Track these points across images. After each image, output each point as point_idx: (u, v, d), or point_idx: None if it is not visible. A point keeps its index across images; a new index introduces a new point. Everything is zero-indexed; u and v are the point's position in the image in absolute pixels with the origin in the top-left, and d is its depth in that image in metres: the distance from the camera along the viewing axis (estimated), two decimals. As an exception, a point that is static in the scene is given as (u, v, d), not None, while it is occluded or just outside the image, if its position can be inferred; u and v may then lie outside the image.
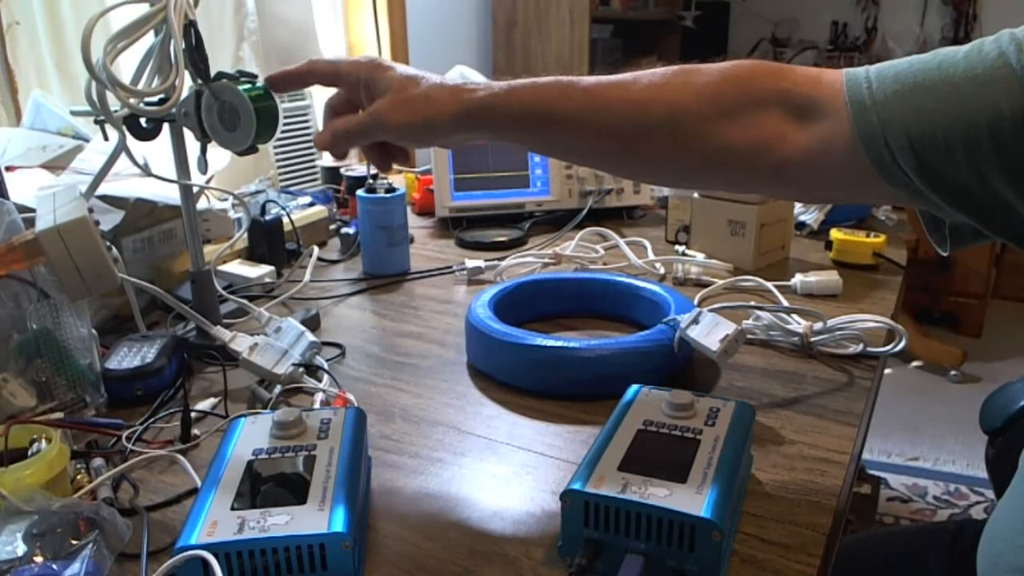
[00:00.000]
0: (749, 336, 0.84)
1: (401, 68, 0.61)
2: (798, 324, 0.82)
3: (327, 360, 0.82)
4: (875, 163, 0.50)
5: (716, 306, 0.79)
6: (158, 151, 0.80)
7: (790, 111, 0.53)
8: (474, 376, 0.79)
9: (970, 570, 0.70)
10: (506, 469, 0.63)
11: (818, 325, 0.81)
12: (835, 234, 1.09)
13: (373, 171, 1.10)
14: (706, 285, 1.00)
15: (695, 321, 0.74)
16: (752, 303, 0.93)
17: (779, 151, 0.53)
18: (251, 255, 1.07)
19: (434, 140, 0.62)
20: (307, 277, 1.01)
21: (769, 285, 0.97)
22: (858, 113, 0.50)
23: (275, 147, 1.52)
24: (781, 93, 0.53)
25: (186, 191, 0.80)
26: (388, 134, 0.62)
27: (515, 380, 0.75)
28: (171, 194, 0.92)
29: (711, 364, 0.78)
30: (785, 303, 0.93)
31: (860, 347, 0.80)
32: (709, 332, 0.73)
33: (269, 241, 1.07)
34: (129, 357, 0.75)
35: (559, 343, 0.73)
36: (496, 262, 1.07)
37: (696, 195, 1.11)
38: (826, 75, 0.53)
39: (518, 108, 0.58)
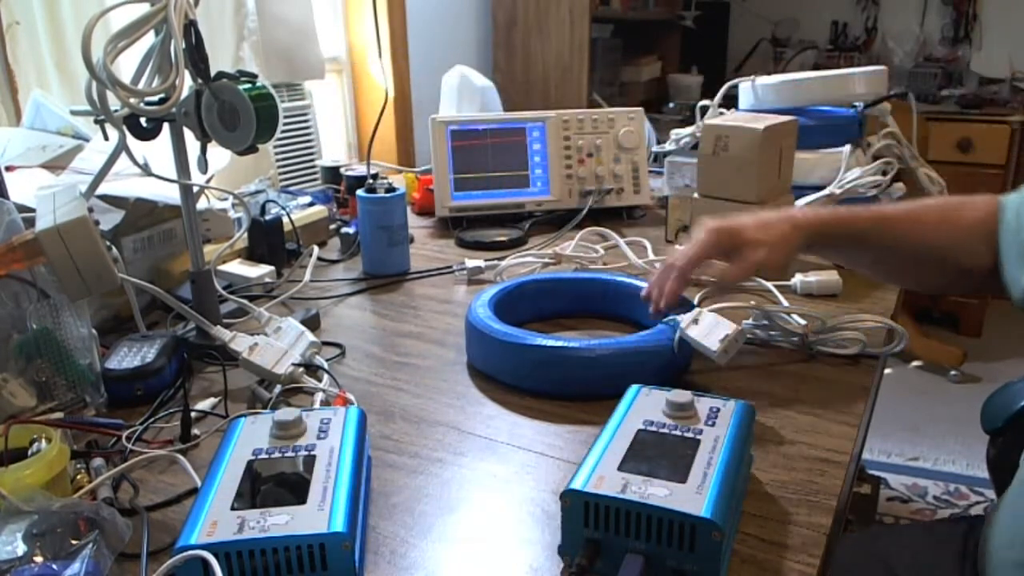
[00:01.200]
0: (749, 336, 0.84)
1: (747, 226, 0.76)
2: (798, 324, 0.82)
3: (327, 360, 0.82)
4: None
5: (716, 306, 0.79)
6: (158, 151, 0.80)
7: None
8: (474, 376, 0.79)
9: (971, 570, 0.70)
10: (506, 469, 0.63)
11: (818, 325, 0.81)
12: (835, 234, 1.09)
13: (373, 171, 1.10)
14: (706, 285, 1.00)
15: (695, 321, 0.74)
16: (752, 303, 0.92)
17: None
18: (251, 255, 1.07)
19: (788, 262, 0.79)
20: (307, 277, 1.01)
21: (769, 285, 0.97)
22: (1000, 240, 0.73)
23: (275, 147, 1.52)
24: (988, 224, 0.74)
25: (186, 191, 0.80)
26: (763, 269, 0.79)
27: (515, 380, 0.75)
28: (171, 194, 0.92)
29: (711, 364, 0.78)
30: (785, 303, 0.93)
31: (860, 347, 0.80)
32: (709, 332, 0.73)
33: (269, 241, 1.07)
34: (129, 357, 0.75)
35: (559, 343, 0.73)
36: (496, 262, 1.07)
37: (696, 195, 1.11)
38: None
39: (840, 234, 0.78)
